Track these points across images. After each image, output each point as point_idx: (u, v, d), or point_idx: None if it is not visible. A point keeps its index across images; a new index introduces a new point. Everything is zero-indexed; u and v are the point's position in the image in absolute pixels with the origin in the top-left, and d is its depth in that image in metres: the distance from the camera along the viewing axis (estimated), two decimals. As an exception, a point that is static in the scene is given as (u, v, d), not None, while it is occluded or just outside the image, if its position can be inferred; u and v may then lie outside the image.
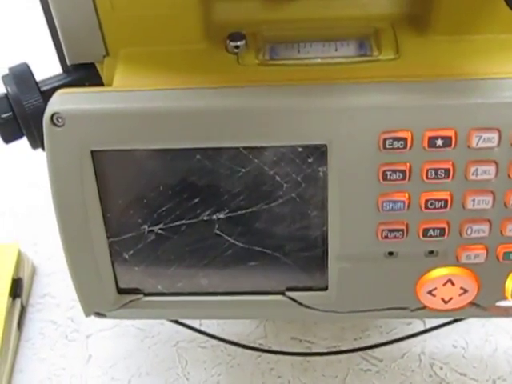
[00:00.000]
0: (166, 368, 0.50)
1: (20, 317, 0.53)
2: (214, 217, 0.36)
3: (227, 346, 0.50)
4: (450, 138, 0.33)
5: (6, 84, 0.37)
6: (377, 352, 0.50)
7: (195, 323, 0.51)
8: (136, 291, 0.40)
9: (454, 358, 0.49)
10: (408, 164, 0.33)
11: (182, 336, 0.52)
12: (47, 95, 0.35)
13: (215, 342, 0.51)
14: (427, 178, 0.34)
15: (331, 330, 0.51)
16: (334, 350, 0.50)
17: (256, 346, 0.50)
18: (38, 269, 0.58)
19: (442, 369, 0.48)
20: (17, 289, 0.54)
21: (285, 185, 0.35)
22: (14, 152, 0.49)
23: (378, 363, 0.49)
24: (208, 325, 0.52)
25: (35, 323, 0.54)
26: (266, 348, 0.50)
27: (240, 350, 0.50)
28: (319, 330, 0.51)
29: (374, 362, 0.49)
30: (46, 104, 0.34)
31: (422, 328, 0.50)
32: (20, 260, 0.56)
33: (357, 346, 0.50)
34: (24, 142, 0.38)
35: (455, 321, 0.47)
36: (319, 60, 0.35)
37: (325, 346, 0.50)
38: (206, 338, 0.51)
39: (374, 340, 0.50)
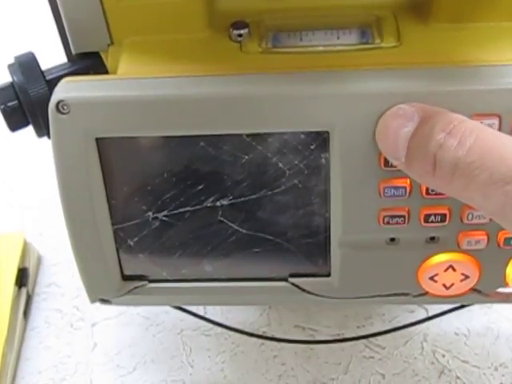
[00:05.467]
0: (170, 356, 0.51)
1: (26, 306, 0.54)
2: (218, 203, 0.37)
3: (231, 333, 0.51)
4: (452, 124, 0.33)
5: (11, 73, 0.37)
6: (380, 340, 0.50)
7: (200, 311, 0.52)
8: (141, 278, 0.40)
9: (456, 346, 0.49)
10: (409, 150, 0.34)
11: (187, 324, 0.52)
12: (52, 84, 0.36)
13: (219, 330, 0.51)
14: (429, 164, 0.34)
15: (334, 318, 0.51)
16: (337, 337, 0.50)
17: (260, 333, 0.51)
18: (43, 258, 0.59)
19: (444, 356, 0.49)
20: (22, 278, 0.54)
21: (287, 171, 0.35)
22: (19, 142, 0.49)
23: (381, 350, 0.49)
24: (212, 313, 0.52)
25: (41, 312, 0.54)
26: (270, 336, 0.51)
27: (244, 337, 0.51)
28: (323, 318, 0.52)
29: (377, 349, 0.49)
30: (51, 92, 0.34)
31: (424, 316, 0.50)
32: (26, 250, 0.56)
33: (360, 334, 0.50)
34: (29, 130, 0.39)
35: (457, 308, 0.47)
36: (321, 48, 0.36)
37: (328, 334, 0.51)
38: (210, 326, 0.51)
39: (376, 328, 0.51)
